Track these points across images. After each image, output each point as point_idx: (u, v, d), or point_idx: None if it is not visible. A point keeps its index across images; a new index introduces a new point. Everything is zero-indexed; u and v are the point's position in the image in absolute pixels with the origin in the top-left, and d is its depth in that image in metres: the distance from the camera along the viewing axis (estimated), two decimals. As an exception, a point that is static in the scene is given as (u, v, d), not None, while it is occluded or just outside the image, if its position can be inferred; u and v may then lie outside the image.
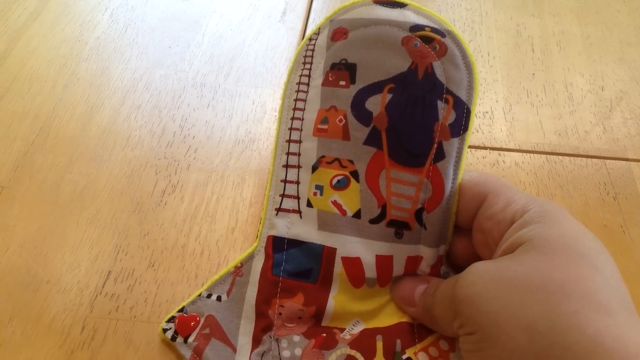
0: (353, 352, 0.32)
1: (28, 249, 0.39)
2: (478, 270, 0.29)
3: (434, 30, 0.36)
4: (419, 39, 0.36)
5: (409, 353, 0.32)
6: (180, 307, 0.35)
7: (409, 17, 0.36)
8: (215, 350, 0.33)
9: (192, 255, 0.39)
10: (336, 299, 0.34)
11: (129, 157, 0.45)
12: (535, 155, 0.47)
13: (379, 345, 0.33)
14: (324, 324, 0.34)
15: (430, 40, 0.36)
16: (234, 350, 0.33)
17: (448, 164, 0.35)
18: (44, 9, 0.58)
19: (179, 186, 0.43)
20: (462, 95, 0.35)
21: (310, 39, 0.39)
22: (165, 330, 0.34)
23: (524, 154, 0.47)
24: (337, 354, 0.32)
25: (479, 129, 0.49)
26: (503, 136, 0.48)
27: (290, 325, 0.34)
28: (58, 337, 0.34)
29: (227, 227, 0.41)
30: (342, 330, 0.34)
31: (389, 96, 0.35)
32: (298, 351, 0.33)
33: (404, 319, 0.34)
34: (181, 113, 0.48)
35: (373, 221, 0.35)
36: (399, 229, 0.35)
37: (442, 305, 0.31)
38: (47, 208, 0.41)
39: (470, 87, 0.36)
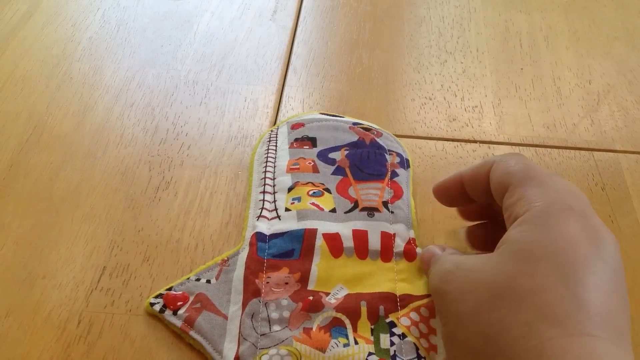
0: (339, 315, 0.35)
1: (23, 246, 0.39)
2: (452, 267, 0.30)
3: (370, 126, 0.47)
4: (360, 129, 0.46)
5: (392, 317, 0.35)
6: (168, 286, 0.36)
7: (348, 119, 0.47)
8: (208, 319, 0.35)
9: (186, 250, 0.39)
10: (319, 266, 0.37)
11: (122, 154, 0.45)
12: (524, 147, 0.48)
13: (363, 309, 0.35)
14: (309, 288, 0.36)
15: (369, 129, 0.46)
16: (226, 318, 0.35)
17: (402, 178, 0.43)
18: (36, 10, 0.58)
19: (173, 182, 0.43)
20: (402, 153, 0.45)
21: (271, 131, 0.47)
22: (152, 304, 0.35)
23: (513, 146, 0.48)
24: (324, 316, 0.34)
25: (468, 122, 0.49)
26: (492, 130, 0.49)
27: (278, 290, 0.36)
28: (54, 332, 0.35)
29: (220, 222, 0.41)
30: (327, 294, 0.36)
31: (346, 152, 0.44)
32: (286, 313, 0.35)
33: (386, 290, 0.36)
34: (174, 111, 0.49)
35: (347, 212, 0.40)
36: (371, 211, 0.40)
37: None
38: (42, 205, 0.41)
39: (404, 152, 0.46)
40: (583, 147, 0.48)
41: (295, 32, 0.58)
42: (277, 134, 0.46)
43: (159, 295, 0.36)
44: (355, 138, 0.45)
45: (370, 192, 0.41)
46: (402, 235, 0.39)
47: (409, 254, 0.38)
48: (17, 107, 0.48)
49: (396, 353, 0.33)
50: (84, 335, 0.35)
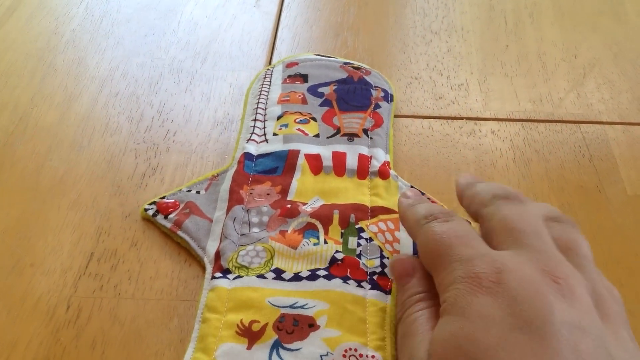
0: (313, 220, 0.38)
1: (11, 235, 0.39)
2: None
3: (360, 65, 0.51)
4: (350, 67, 0.50)
5: (361, 224, 0.38)
6: (161, 196, 0.40)
7: (340, 60, 0.51)
8: (195, 222, 0.39)
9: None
10: (299, 181, 0.41)
11: (108, 142, 0.45)
12: (511, 123, 0.48)
13: (335, 216, 0.38)
14: (289, 198, 0.40)
15: (358, 68, 0.50)
16: (211, 221, 0.39)
17: (384, 110, 0.46)
18: (20, 4, 0.58)
19: (159, 168, 0.43)
20: (387, 89, 0.49)
21: (267, 69, 0.50)
22: (146, 210, 0.40)
23: (500, 122, 0.48)
24: (299, 221, 0.38)
25: (454, 100, 0.49)
26: (479, 106, 0.49)
27: (260, 199, 0.40)
28: (43, 317, 0.35)
29: (208, 205, 0.41)
30: (304, 204, 0.39)
31: (335, 87, 0.48)
32: (265, 218, 0.38)
33: (359, 202, 0.39)
34: (159, 99, 0.49)
35: (330, 137, 0.44)
36: (351, 137, 0.44)
37: None
38: (29, 195, 0.41)
39: (390, 88, 0.49)
40: (570, 120, 0.48)
41: (280, 17, 0.58)
42: (272, 72, 0.50)
43: (153, 203, 0.40)
44: (344, 75, 0.49)
45: (353, 121, 0.45)
46: (378, 157, 0.42)
47: (383, 173, 0.41)
48: (2, 99, 0.48)
49: (362, 252, 0.37)
50: (72, 319, 0.35)
